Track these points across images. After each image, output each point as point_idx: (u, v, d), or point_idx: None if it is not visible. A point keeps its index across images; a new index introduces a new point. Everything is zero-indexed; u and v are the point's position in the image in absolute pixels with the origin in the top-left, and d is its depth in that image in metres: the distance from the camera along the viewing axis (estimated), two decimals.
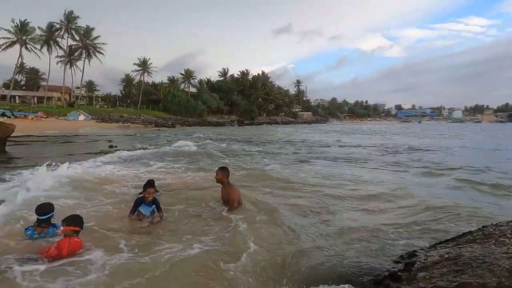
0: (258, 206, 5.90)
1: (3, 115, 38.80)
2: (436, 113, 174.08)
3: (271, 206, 5.93)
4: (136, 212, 5.06)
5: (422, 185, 8.45)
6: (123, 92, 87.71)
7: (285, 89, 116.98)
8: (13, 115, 41.85)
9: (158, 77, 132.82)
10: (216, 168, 5.99)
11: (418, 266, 3.03)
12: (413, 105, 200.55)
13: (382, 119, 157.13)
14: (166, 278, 3.21)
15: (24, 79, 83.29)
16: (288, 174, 9.84)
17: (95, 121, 52.48)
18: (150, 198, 5.05)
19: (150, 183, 5.44)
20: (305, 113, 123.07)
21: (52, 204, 4.18)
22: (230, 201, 5.63)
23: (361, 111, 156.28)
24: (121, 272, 3.26)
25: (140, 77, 78.59)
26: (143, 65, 76.42)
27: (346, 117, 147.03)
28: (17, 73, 68.85)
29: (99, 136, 29.48)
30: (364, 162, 13.18)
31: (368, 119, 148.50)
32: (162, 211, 5.17)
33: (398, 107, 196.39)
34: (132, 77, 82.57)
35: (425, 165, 12.16)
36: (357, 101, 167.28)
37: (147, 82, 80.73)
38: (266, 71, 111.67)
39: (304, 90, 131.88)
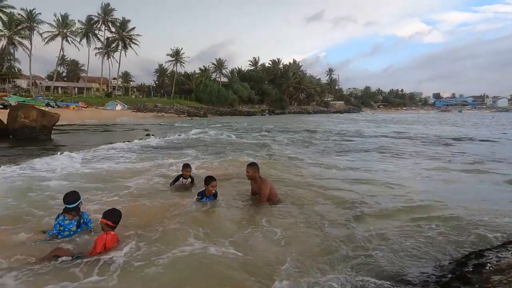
0: (293, 201, 5.76)
1: (48, 105, 40.88)
2: (479, 101, 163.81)
3: (308, 201, 5.76)
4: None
5: (473, 180, 7.92)
6: (156, 82, 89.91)
7: (316, 77, 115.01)
8: (56, 105, 44.03)
9: (190, 67, 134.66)
10: (246, 165, 5.82)
11: (491, 268, 2.79)
12: (453, 94, 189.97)
13: (418, 108, 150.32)
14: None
15: (66, 70, 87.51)
16: (323, 166, 9.54)
17: (131, 110, 54.19)
18: (213, 191, 5.41)
19: (211, 177, 5.54)
20: (337, 102, 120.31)
21: (78, 192, 4.21)
22: (261, 195, 5.56)
23: (396, 100, 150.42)
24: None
25: (173, 67, 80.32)
26: (176, 55, 77.88)
27: (380, 106, 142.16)
28: (59, 65, 72.45)
29: (135, 125, 30.43)
30: (406, 155, 12.60)
31: (404, 108, 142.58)
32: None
33: (437, 96, 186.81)
34: (165, 67, 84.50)
35: (474, 158, 11.35)
36: (392, 89, 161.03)
37: (179, 72, 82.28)
38: (297, 60, 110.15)
39: (337, 79, 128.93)
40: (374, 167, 9.37)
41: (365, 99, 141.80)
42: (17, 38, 52.90)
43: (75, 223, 4.05)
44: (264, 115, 76.83)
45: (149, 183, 6.96)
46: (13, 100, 37.81)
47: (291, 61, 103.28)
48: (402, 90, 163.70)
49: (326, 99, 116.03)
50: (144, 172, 8.04)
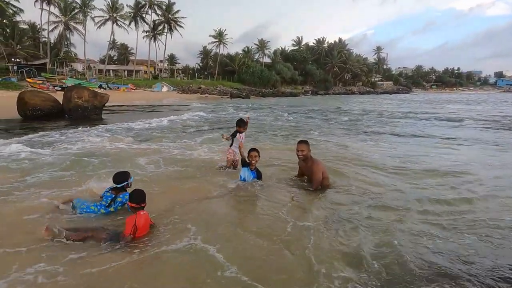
0: (345, 187, 5.41)
1: (100, 87, 43.30)
2: None
3: (364, 188, 5.40)
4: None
5: None
6: (200, 64, 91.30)
7: (363, 57, 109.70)
8: (108, 87, 46.49)
9: (234, 48, 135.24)
10: (298, 143, 5.26)
11: None
12: None
13: (477, 88, 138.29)
14: None
15: (117, 54, 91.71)
16: (372, 151, 9.06)
17: (176, 92, 55.87)
18: (254, 162, 5.24)
19: (253, 149, 5.36)
20: (385, 82, 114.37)
21: (128, 173, 4.35)
22: (314, 179, 5.03)
23: (452, 80, 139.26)
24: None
25: (216, 49, 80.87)
26: (219, 36, 78.17)
27: (433, 86, 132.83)
28: (110, 49, 76.01)
29: (180, 106, 31.20)
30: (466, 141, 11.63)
31: (460, 88, 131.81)
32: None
33: (499, 75, 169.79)
34: (209, 49, 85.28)
35: None
36: (447, 68, 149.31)
37: (222, 53, 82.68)
38: (343, 38, 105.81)
39: (385, 58, 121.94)
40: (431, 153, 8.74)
41: (416, 79, 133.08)
42: (72, 23, 56.09)
43: (109, 199, 4.19)
44: (307, 95, 75.36)
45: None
46: (70, 83, 40.45)
47: (336, 40, 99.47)
48: (458, 69, 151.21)
49: (373, 79, 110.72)
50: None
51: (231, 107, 29.88)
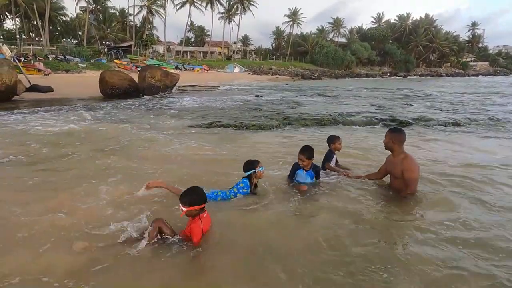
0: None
1: (177, 67, 45.67)
2: None
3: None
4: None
5: None
6: (273, 45, 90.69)
7: (454, 34, 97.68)
8: (184, 67, 48.84)
9: (308, 28, 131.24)
10: (388, 131, 4.15)
11: None
12: None
13: None
14: None
15: (194, 36, 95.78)
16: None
17: (247, 73, 56.46)
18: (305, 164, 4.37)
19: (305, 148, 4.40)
20: (478, 63, 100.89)
21: (256, 161, 4.10)
22: (408, 180, 3.83)
23: None
24: None
25: (290, 29, 79.34)
26: (293, 15, 76.47)
27: None
28: (188, 31, 79.57)
29: (249, 87, 31.32)
30: None
31: None
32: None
33: None
34: (282, 29, 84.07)
35: None
36: None
37: (296, 34, 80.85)
38: (430, 14, 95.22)
39: (481, 35, 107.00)
40: None
41: None
42: (154, 7, 59.62)
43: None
44: (384, 77, 70.23)
45: None
46: (150, 63, 43.39)
47: (422, 16, 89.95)
48: None
49: (464, 60, 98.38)
50: None
51: (283, 89, 29.01)
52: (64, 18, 56.04)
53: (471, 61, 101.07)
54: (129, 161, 5.59)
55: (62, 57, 36.54)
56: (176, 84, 19.56)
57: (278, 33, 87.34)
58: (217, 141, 7.51)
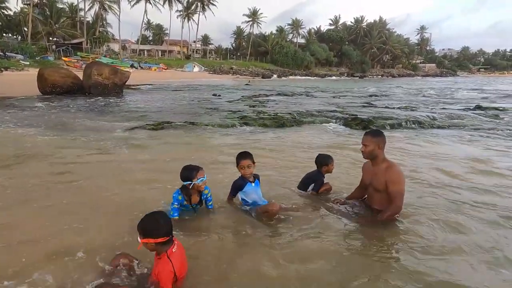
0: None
1: (132, 66, 43.74)
2: None
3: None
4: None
5: None
6: (233, 45, 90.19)
7: (405, 37, 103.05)
8: (140, 66, 46.93)
9: (269, 28, 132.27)
10: (365, 135, 3.38)
11: None
12: None
13: None
14: None
15: (152, 34, 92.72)
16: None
17: (207, 72, 55.55)
18: (252, 171, 3.45)
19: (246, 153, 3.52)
20: (427, 65, 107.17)
21: (196, 169, 3.18)
22: (393, 194, 3.11)
23: (503, 63, 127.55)
24: None
25: (250, 29, 79.30)
26: (253, 15, 76.49)
27: (481, 70, 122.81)
28: (145, 29, 76.90)
29: (207, 86, 30.55)
30: None
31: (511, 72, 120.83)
32: None
33: None
34: (242, 28, 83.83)
35: None
36: (498, 50, 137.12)
37: (256, 34, 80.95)
38: (384, 18, 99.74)
39: (429, 38, 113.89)
40: None
41: (462, 62, 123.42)
42: (107, 2, 56.75)
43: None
44: (341, 78, 72.39)
45: None
46: (103, 62, 41.13)
47: (377, 19, 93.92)
48: (511, 51, 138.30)
49: (414, 62, 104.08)
50: None
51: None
52: (6, 12, 51.81)
53: (420, 63, 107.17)
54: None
55: (1, 53, 33.52)
56: (131, 84, 18.46)
57: (238, 33, 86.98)
58: (157, 144, 6.84)
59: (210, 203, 3.38)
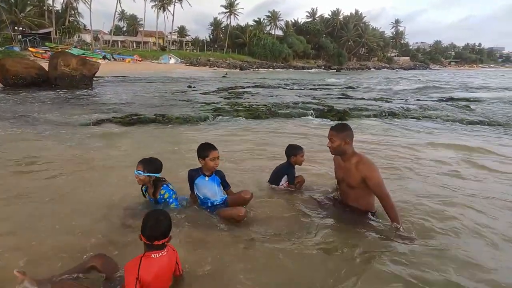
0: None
1: (105, 57, 42.18)
2: None
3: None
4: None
5: None
6: (211, 36, 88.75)
7: (380, 31, 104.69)
8: (113, 57, 45.33)
9: (246, 20, 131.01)
10: (331, 129, 3.15)
11: None
12: None
13: (498, 65, 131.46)
14: None
15: (126, 25, 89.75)
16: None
17: (184, 64, 54.43)
18: (215, 167, 3.16)
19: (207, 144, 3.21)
20: (401, 58, 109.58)
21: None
22: (375, 188, 2.96)
23: (472, 56, 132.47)
24: None
25: (227, 20, 78.21)
26: (230, 6, 75.39)
27: (452, 63, 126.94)
28: (119, 20, 74.29)
29: (183, 78, 29.90)
30: None
31: (480, 65, 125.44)
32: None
33: None
34: (219, 20, 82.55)
35: None
36: (467, 44, 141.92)
37: (233, 25, 79.95)
38: (360, 11, 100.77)
39: (403, 32, 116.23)
40: None
41: (434, 55, 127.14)
42: None
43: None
44: (310, 70, 72.93)
45: None
46: (74, 53, 39.42)
47: (353, 12, 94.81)
48: (479, 45, 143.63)
49: (389, 55, 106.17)
50: None
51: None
52: None
53: (395, 56, 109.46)
54: None
55: None
56: (103, 75, 17.66)
57: (215, 24, 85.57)
58: (123, 138, 6.50)
59: (172, 204, 3.08)
